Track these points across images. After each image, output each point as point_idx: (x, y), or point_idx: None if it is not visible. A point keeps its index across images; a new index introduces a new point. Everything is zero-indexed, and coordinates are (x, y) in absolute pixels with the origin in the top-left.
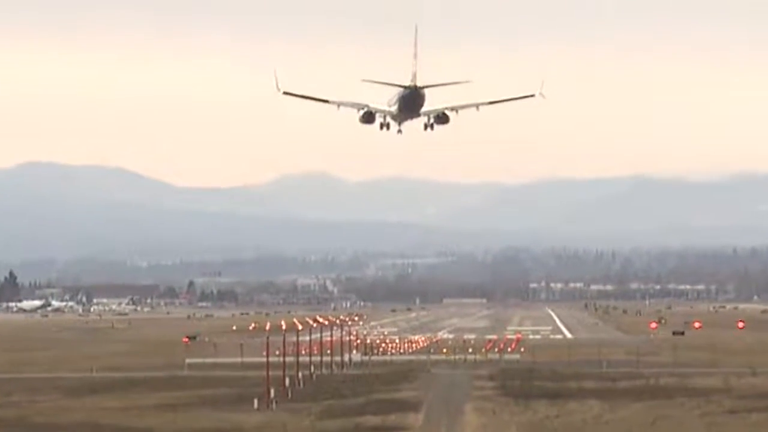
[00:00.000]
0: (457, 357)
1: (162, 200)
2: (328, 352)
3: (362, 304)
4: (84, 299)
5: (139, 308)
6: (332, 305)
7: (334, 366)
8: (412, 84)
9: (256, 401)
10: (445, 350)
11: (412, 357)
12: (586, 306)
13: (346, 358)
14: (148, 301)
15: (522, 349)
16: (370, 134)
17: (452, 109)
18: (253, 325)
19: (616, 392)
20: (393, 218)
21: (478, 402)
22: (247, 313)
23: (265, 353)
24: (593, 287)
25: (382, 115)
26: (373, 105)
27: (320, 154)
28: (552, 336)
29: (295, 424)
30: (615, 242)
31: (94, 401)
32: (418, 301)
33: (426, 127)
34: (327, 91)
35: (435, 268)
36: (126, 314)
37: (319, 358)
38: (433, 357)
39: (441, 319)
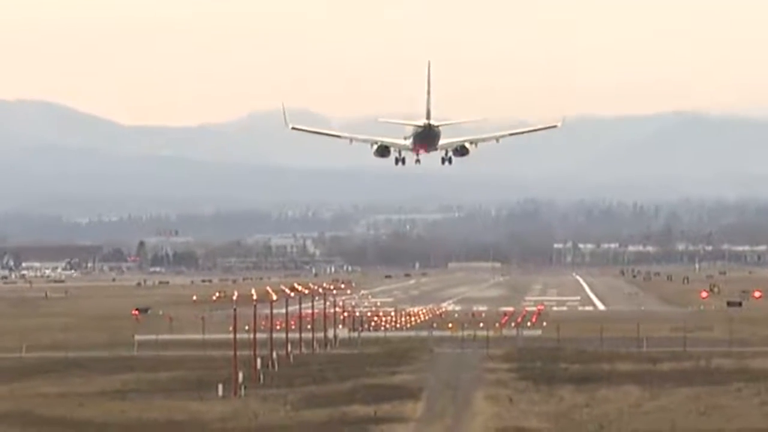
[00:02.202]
0: (465, 333)
1: (104, 142)
2: (309, 327)
3: (350, 269)
4: (10, 263)
5: (78, 274)
6: (313, 270)
7: (315, 344)
8: (426, 123)
9: (220, 387)
10: (450, 325)
11: (411, 333)
12: (622, 271)
13: (331, 334)
14: (89, 265)
15: (544, 324)
16: (359, 68)
17: (471, 142)
18: (217, 294)
19: (658, 376)
20: (387, 165)
21: (490, 388)
22: (210, 280)
23: (231, 329)
24: (631, 248)
25: (397, 149)
26: (387, 140)
27: (299, 87)
28: (581, 308)
29: (268, 414)
30: (657, 193)
31: (25, 387)
32: (417, 265)
33: (444, 160)
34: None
35: (438, 225)
36: (62, 281)
37: (297, 335)
38: (436, 333)
39: (446, 288)
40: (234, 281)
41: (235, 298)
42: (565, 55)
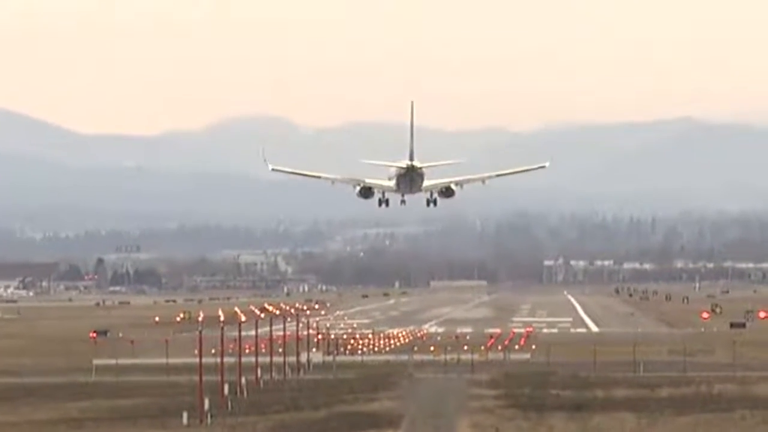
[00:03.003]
0: (448, 357)
1: (61, 151)
2: (280, 350)
3: (324, 288)
4: None
5: (32, 293)
6: (285, 290)
7: (287, 369)
8: (409, 164)
9: (185, 415)
10: (432, 348)
11: (390, 357)
12: (617, 290)
13: (304, 358)
14: (44, 284)
15: (533, 347)
16: (336, 74)
17: (457, 183)
18: (181, 315)
19: (656, 403)
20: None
21: (476, 416)
22: (174, 300)
23: (197, 352)
24: (627, 265)
25: (381, 190)
26: (370, 180)
27: (272, 93)
28: (573, 329)
29: None
30: (655, 207)
31: None
32: (397, 284)
33: (429, 202)
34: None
35: (420, 239)
36: (15, 301)
37: (268, 359)
38: (418, 357)
39: (427, 308)
40: (200, 301)
41: (200, 319)
42: (557, 59)
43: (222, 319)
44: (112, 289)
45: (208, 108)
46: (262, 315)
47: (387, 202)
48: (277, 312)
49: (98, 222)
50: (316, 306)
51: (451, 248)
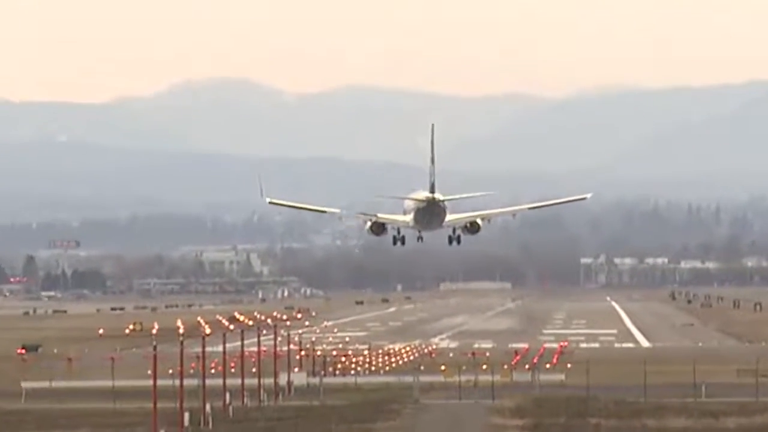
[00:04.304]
0: (463, 379)
1: None
2: (254, 370)
3: (309, 292)
4: None
5: None
6: (260, 295)
7: (263, 393)
8: (430, 196)
9: None
10: (443, 368)
11: (390, 379)
12: (672, 295)
13: (284, 380)
14: None
15: (569, 366)
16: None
17: (484, 218)
18: (131, 327)
19: None
20: (359, 153)
21: None
22: (122, 308)
23: (150, 373)
24: (685, 264)
25: (395, 226)
26: (383, 215)
27: (242, 52)
28: (618, 344)
29: None
30: (720, 191)
31: None
32: (400, 287)
33: (451, 240)
34: None
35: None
36: None
37: (239, 381)
38: (425, 379)
39: (437, 317)
40: (154, 309)
41: (155, 331)
42: (590, 16)
43: (182, 331)
44: (44, 293)
45: (164, 69)
46: (232, 326)
47: (403, 239)
48: (251, 322)
49: (28, 210)
50: (299, 315)
51: (468, 243)
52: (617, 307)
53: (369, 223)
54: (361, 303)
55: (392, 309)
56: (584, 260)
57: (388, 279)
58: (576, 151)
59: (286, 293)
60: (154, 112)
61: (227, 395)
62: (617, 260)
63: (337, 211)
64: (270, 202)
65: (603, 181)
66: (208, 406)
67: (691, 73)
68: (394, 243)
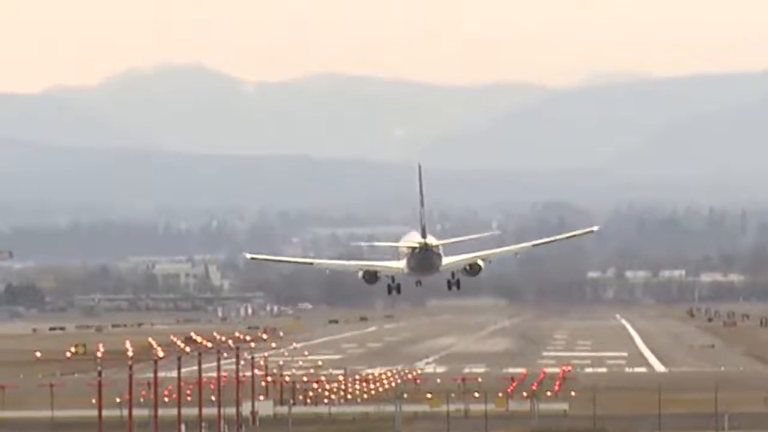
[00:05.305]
0: (452, 408)
1: None
2: (213, 398)
3: (276, 309)
4: None
5: None
6: (220, 312)
7: (223, 425)
8: (422, 242)
9: None
10: (430, 396)
11: (369, 408)
12: (691, 312)
13: (248, 410)
14: None
15: (573, 394)
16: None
17: (484, 259)
18: (73, 349)
19: None
20: (328, 150)
21: None
22: (63, 328)
23: (95, 402)
24: (705, 277)
25: (389, 274)
26: (376, 264)
27: (194, 36)
28: (629, 369)
29: None
30: (745, 194)
31: None
32: (381, 303)
33: (450, 285)
34: None
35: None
36: None
37: (196, 411)
38: (408, 408)
39: (422, 338)
40: (99, 329)
41: (100, 355)
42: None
43: (131, 354)
44: None
45: (104, 55)
46: (188, 348)
47: (398, 288)
48: (209, 344)
49: None
50: (265, 336)
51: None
52: (628, 326)
53: (360, 273)
54: (336, 322)
55: (371, 328)
56: (591, 273)
57: (366, 295)
58: (578, 147)
59: (249, 311)
60: (94, 104)
61: (183, 428)
62: (628, 273)
63: (325, 262)
64: (251, 258)
65: (611, 182)
66: None
67: (711, 58)
68: (389, 292)
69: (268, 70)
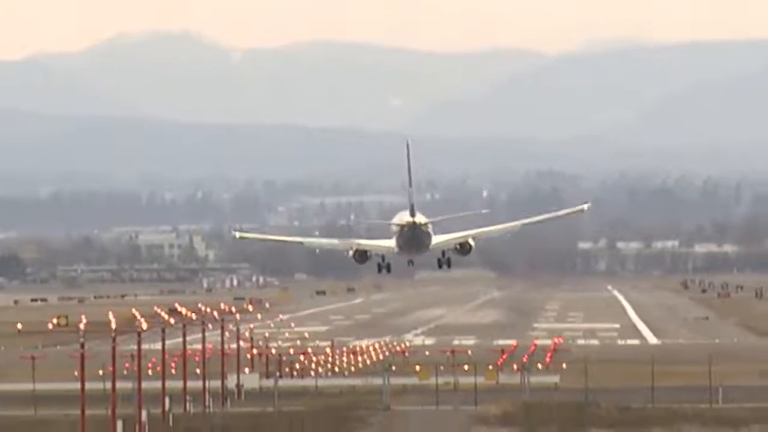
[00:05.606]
0: (441, 381)
1: None
2: (198, 371)
3: (262, 280)
4: None
5: None
6: (205, 283)
7: (209, 398)
8: (410, 221)
9: None
10: (418, 368)
11: (357, 381)
12: (685, 284)
13: (233, 383)
14: None
15: (564, 366)
16: None
17: (475, 237)
18: (55, 321)
19: None
20: (322, 119)
21: None
22: (44, 299)
23: (77, 374)
24: (698, 248)
25: (379, 252)
26: (365, 242)
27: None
28: (621, 341)
29: None
30: (739, 164)
31: None
32: (367, 275)
33: (441, 263)
34: None
35: (400, 211)
36: None
37: (180, 384)
38: (397, 381)
39: (411, 309)
40: (81, 300)
41: (83, 326)
42: None
43: (114, 326)
44: None
45: (90, 22)
46: (172, 320)
47: (389, 267)
48: (194, 316)
49: None
50: (251, 307)
51: (447, 224)
52: (620, 297)
53: (350, 252)
54: (323, 293)
55: (359, 300)
56: (582, 244)
57: (354, 266)
58: (572, 116)
59: (235, 282)
60: (79, 71)
61: (167, 400)
62: (620, 244)
63: (315, 241)
64: (240, 237)
65: (604, 152)
66: (144, 414)
67: (709, 26)
68: (379, 271)
69: (257, 37)
